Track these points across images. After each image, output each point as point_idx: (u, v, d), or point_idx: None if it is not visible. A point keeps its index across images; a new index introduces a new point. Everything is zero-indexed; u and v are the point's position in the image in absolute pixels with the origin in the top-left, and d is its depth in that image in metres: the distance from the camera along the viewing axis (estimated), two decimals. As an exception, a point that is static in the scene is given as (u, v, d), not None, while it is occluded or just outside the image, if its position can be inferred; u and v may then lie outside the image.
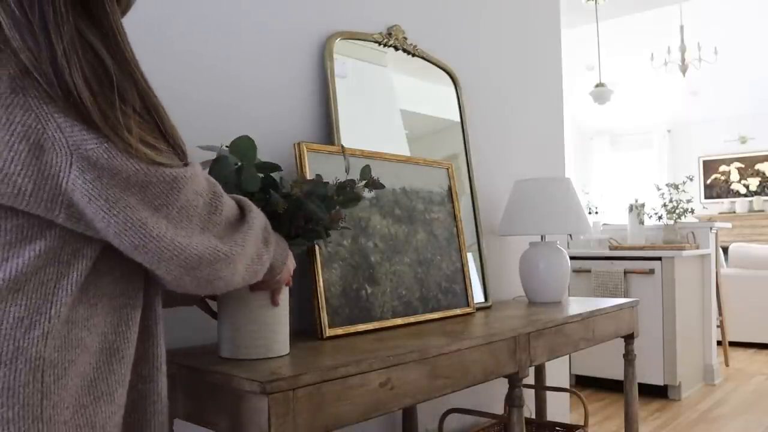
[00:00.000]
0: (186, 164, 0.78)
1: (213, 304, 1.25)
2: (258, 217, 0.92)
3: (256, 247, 0.90)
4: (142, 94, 0.74)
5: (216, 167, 1.12)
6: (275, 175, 1.21)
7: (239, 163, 1.14)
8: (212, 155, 1.19)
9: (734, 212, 8.96)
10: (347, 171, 1.27)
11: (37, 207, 0.69)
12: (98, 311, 0.76)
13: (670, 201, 4.09)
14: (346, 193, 1.23)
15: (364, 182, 1.28)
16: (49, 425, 0.68)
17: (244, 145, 1.14)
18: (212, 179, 0.84)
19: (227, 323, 1.17)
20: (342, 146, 1.35)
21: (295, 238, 1.18)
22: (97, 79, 0.69)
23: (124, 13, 0.85)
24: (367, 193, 1.60)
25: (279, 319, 1.19)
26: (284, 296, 1.20)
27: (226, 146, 1.16)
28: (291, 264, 1.09)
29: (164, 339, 0.89)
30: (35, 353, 0.68)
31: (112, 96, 0.70)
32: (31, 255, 0.70)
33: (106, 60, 0.71)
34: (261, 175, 1.17)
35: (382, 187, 1.30)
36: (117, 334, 0.78)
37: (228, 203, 0.86)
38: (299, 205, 1.14)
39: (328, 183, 1.21)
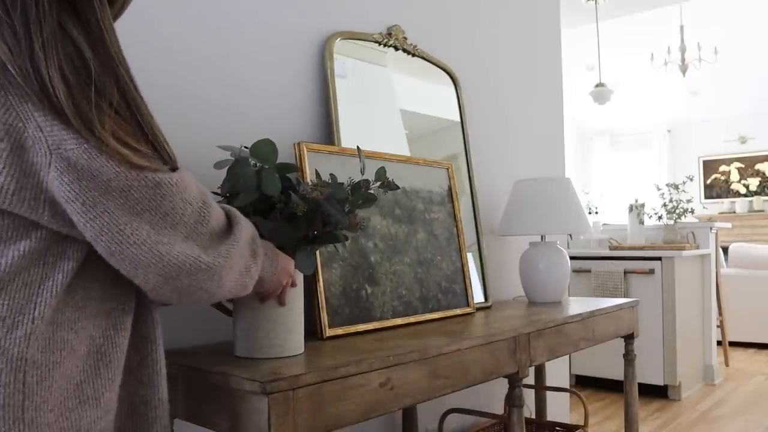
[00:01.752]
0: (173, 169, 0.76)
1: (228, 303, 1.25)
2: (245, 230, 0.90)
3: (243, 260, 0.88)
4: (124, 92, 0.72)
5: (236, 169, 1.12)
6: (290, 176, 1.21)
7: (258, 165, 1.14)
8: (226, 154, 1.19)
9: (734, 212, 8.96)
10: (362, 172, 1.27)
11: (20, 206, 0.68)
12: (87, 314, 0.75)
13: (670, 201, 4.09)
14: (361, 194, 1.23)
15: (378, 183, 1.27)
16: (31, 427, 0.67)
17: (265, 149, 1.14)
18: (203, 188, 0.82)
19: (243, 322, 1.18)
20: (357, 147, 1.34)
21: (313, 242, 1.18)
22: (74, 73, 0.68)
23: (118, 13, 0.83)
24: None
25: (294, 318, 1.20)
26: (299, 295, 1.21)
27: (245, 147, 1.16)
28: (285, 273, 1.07)
29: (163, 342, 0.88)
30: (17, 353, 0.67)
31: (89, 91, 0.68)
32: (15, 255, 0.69)
33: (86, 54, 0.69)
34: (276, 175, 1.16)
35: (397, 188, 1.30)
36: (105, 338, 0.77)
37: (216, 214, 0.83)
38: (317, 208, 1.14)
39: (343, 184, 1.21)
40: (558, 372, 2.74)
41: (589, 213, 5.81)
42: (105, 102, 0.69)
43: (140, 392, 0.84)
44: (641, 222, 4.10)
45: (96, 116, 0.68)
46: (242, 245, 0.87)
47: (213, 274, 0.81)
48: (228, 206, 0.92)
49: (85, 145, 0.67)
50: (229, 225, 0.87)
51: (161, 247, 0.74)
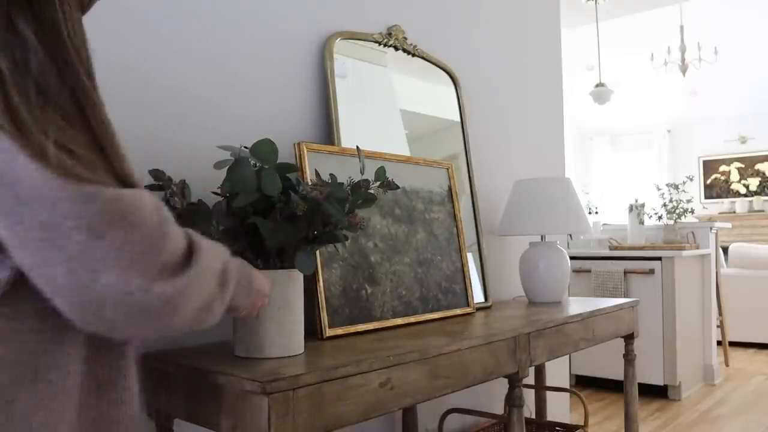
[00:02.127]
0: (127, 185, 0.67)
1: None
2: (210, 262, 0.77)
3: (203, 295, 0.75)
4: (75, 94, 0.65)
5: (236, 169, 1.12)
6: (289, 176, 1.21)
7: (258, 165, 1.14)
8: (226, 154, 1.19)
9: (734, 212, 8.97)
10: (362, 172, 1.27)
11: None
12: (24, 327, 0.67)
13: (670, 201, 4.09)
14: (361, 194, 1.23)
15: (378, 183, 1.27)
16: None
17: (264, 149, 1.14)
18: (165, 212, 0.71)
19: (243, 322, 1.18)
20: (357, 147, 1.35)
21: (313, 242, 1.18)
22: (14, 69, 0.62)
23: (85, 8, 0.78)
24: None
25: (294, 318, 1.20)
26: (299, 295, 1.21)
27: (245, 147, 1.16)
28: (261, 295, 0.98)
29: (135, 355, 0.82)
30: None
31: (29, 89, 0.62)
32: None
33: (34, 49, 0.63)
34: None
35: (397, 188, 1.30)
36: (46, 353, 0.68)
37: (174, 242, 0.71)
38: (317, 207, 1.14)
39: (343, 184, 1.21)
40: (558, 372, 2.74)
41: (589, 213, 5.81)
42: (50, 103, 0.63)
43: (111, 411, 0.77)
44: (641, 222, 4.10)
45: (32, 117, 0.61)
46: (202, 278, 0.75)
47: (152, 312, 0.68)
48: (192, 232, 0.79)
49: (15, 148, 0.60)
50: (189, 255, 0.74)
51: (85, 274, 0.63)
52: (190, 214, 1.20)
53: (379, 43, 1.90)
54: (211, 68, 1.49)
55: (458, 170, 2.10)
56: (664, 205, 4.11)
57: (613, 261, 3.80)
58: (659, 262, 3.63)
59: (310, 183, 1.19)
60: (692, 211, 4.29)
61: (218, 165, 1.19)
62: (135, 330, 0.70)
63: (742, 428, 3.07)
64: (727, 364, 4.45)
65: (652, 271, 3.63)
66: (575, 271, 3.91)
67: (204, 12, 1.48)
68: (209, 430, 1.16)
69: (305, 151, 1.52)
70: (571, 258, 3.95)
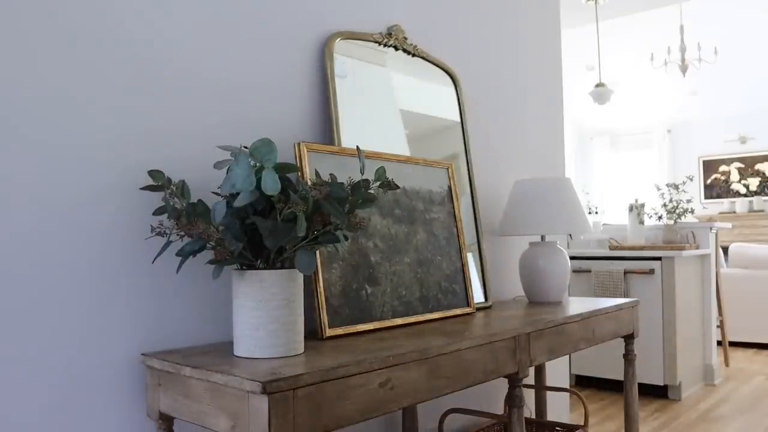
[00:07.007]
0: None
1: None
2: None
3: None
4: None
5: (236, 169, 1.12)
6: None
7: (257, 165, 1.14)
8: (226, 154, 1.19)
9: (734, 212, 8.97)
10: (362, 172, 1.27)
11: None
12: None
13: (670, 201, 4.09)
14: (361, 194, 1.23)
15: (378, 183, 1.27)
16: None
17: (264, 149, 1.14)
18: None
19: (243, 322, 1.18)
20: (357, 147, 1.35)
21: (313, 241, 1.18)
22: None
23: None
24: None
25: (294, 318, 1.20)
26: (299, 295, 1.21)
27: (245, 147, 1.16)
28: None
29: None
30: None
31: None
32: None
33: None
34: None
35: (397, 188, 1.30)
36: None
37: None
38: (318, 208, 1.14)
39: (343, 183, 1.21)
40: (558, 372, 2.74)
41: (589, 213, 5.81)
42: None
43: None
44: (641, 222, 4.10)
45: None
46: None
47: None
48: None
49: None
50: None
51: None
52: (190, 214, 1.20)
53: (379, 43, 1.90)
54: (211, 68, 1.49)
55: (458, 170, 2.10)
56: (664, 205, 4.11)
57: (613, 261, 3.80)
58: (659, 262, 3.63)
59: (310, 183, 1.19)
60: (692, 211, 4.29)
61: (218, 165, 1.19)
62: None
63: (742, 428, 3.07)
64: (727, 364, 4.45)
65: (652, 271, 3.64)
66: (575, 271, 3.91)
67: (204, 12, 1.48)
68: (209, 430, 1.16)
69: (305, 151, 1.52)
70: (571, 258, 3.96)
